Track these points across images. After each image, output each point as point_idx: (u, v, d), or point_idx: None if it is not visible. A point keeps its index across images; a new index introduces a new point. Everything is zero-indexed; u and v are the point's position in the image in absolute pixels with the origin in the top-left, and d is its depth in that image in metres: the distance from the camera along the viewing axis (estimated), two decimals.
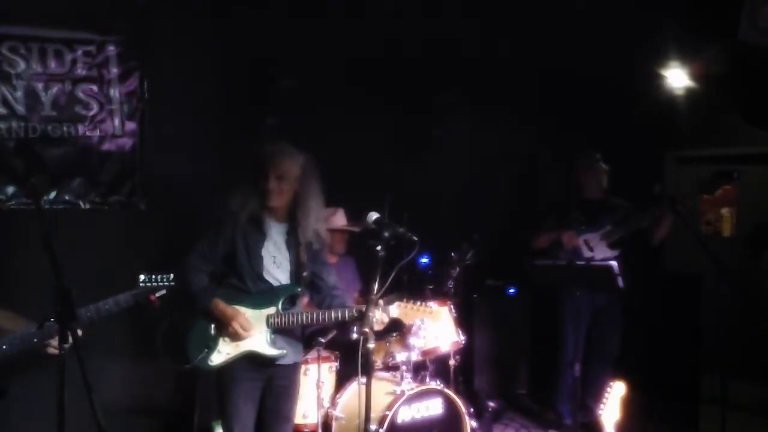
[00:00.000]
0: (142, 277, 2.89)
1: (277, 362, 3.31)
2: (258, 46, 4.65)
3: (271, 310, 3.27)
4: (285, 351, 3.31)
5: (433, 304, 4.10)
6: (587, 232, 4.69)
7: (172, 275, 2.93)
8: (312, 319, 3.27)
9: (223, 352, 3.21)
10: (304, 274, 3.36)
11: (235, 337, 3.20)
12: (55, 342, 2.71)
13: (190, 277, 3.21)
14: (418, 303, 3.33)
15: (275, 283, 3.30)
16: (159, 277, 2.91)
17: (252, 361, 3.25)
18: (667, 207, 4.36)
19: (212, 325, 3.24)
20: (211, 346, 3.20)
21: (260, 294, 3.27)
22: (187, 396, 4.31)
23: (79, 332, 2.55)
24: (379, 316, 3.21)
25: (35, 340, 2.76)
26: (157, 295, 2.94)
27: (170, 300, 3.13)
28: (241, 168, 3.35)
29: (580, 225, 4.69)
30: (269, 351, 3.27)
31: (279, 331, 3.29)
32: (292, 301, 3.36)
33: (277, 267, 3.32)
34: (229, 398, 3.24)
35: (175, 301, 3.19)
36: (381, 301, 3.22)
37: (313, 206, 3.33)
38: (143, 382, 4.40)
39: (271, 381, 3.35)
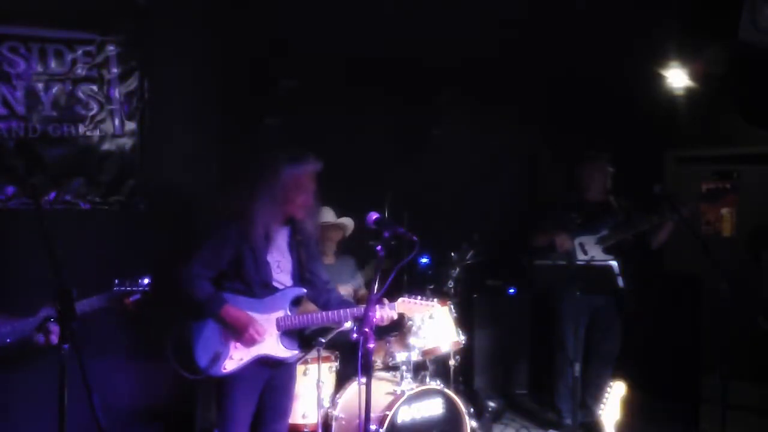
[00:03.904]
0: (117, 281, 2.84)
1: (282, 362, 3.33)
2: (258, 46, 4.65)
3: (280, 313, 3.28)
4: (296, 351, 3.36)
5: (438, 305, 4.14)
6: (583, 235, 4.67)
7: (146, 280, 2.86)
8: (320, 319, 3.30)
9: (235, 358, 3.20)
10: (307, 274, 3.38)
11: (251, 343, 3.20)
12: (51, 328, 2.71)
13: (195, 285, 3.18)
14: (419, 298, 3.33)
15: (280, 287, 3.31)
16: (134, 281, 2.86)
17: (257, 362, 3.26)
18: (668, 211, 4.35)
19: (219, 331, 3.21)
20: (221, 352, 3.19)
21: (267, 298, 3.28)
22: (187, 396, 4.31)
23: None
24: (387, 314, 3.24)
25: (28, 330, 2.75)
26: (131, 299, 2.89)
27: (173, 307, 3.10)
28: (261, 183, 3.23)
29: (576, 227, 4.66)
30: (282, 353, 3.29)
31: (287, 332, 3.32)
32: (297, 302, 3.38)
33: (280, 271, 3.33)
34: (230, 401, 3.24)
35: (178, 308, 3.18)
36: (385, 300, 3.27)
37: (315, 205, 3.36)
38: (143, 383, 4.40)
39: (271, 380, 3.36)
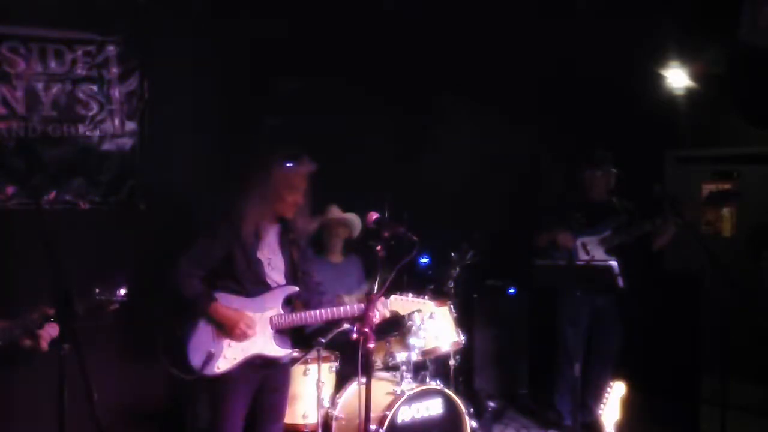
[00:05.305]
0: (97, 290, 2.78)
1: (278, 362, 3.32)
2: (258, 46, 4.65)
3: (273, 311, 3.28)
4: (289, 350, 3.35)
5: (432, 304, 4.14)
6: (586, 235, 4.67)
7: (123, 291, 2.78)
8: (315, 317, 3.29)
9: (229, 358, 3.20)
10: (299, 273, 3.36)
11: (242, 339, 3.19)
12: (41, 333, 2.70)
13: (184, 283, 3.17)
14: (410, 295, 3.34)
15: (272, 285, 3.31)
16: (114, 291, 2.79)
17: (252, 362, 3.25)
18: (670, 212, 4.34)
19: (212, 331, 3.21)
20: (214, 351, 3.18)
21: (260, 296, 3.27)
22: (182, 396, 4.31)
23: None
24: (380, 312, 3.23)
25: (16, 332, 2.73)
26: (111, 308, 2.87)
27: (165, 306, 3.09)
28: (253, 180, 3.26)
29: (580, 227, 4.66)
30: (275, 352, 3.28)
31: (281, 331, 3.31)
32: (290, 300, 3.37)
33: (272, 269, 3.33)
34: (224, 402, 3.23)
35: (170, 307, 3.18)
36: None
37: (306, 205, 3.35)
38: (137, 382, 4.40)
39: (266, 381, 3.35)
